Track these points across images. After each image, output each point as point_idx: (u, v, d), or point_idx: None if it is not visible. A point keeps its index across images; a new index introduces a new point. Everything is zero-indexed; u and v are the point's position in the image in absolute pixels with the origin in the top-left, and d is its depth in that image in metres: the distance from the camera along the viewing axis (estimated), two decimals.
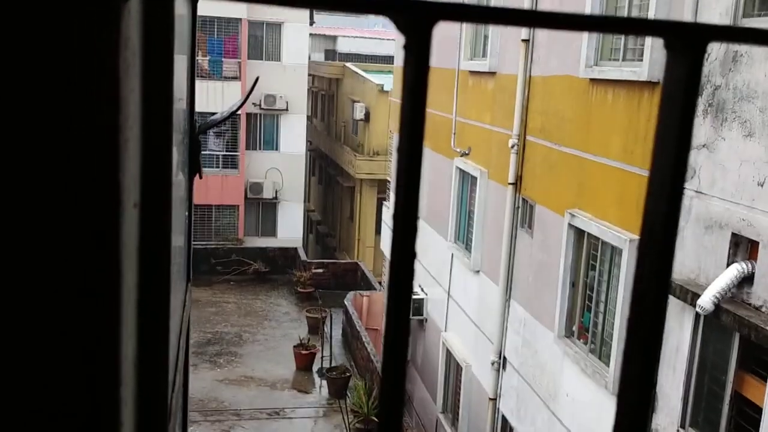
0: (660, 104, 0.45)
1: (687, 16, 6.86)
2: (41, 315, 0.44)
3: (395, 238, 0.41)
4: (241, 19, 25.44)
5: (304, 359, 17.92)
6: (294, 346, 18.10)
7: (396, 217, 0.41)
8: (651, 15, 7.41)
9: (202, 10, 25.16)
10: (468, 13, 0.39)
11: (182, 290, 1.52)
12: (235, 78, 25.71)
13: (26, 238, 0.43)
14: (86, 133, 0.41)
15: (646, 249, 0.45)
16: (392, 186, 16.61)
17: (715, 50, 6.53)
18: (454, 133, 12.96)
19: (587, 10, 8.66)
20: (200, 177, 1.84)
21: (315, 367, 17.91)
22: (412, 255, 0.40)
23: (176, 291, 1.27)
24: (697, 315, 6.48)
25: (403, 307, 0.45)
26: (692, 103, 0.43)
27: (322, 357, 17.73)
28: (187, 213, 1.81)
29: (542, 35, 10.05)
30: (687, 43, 0.42)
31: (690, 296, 6.44)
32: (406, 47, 0.41)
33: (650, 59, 7.42)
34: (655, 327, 0.49)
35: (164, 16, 0.58)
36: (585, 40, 8.66)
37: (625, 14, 8.17)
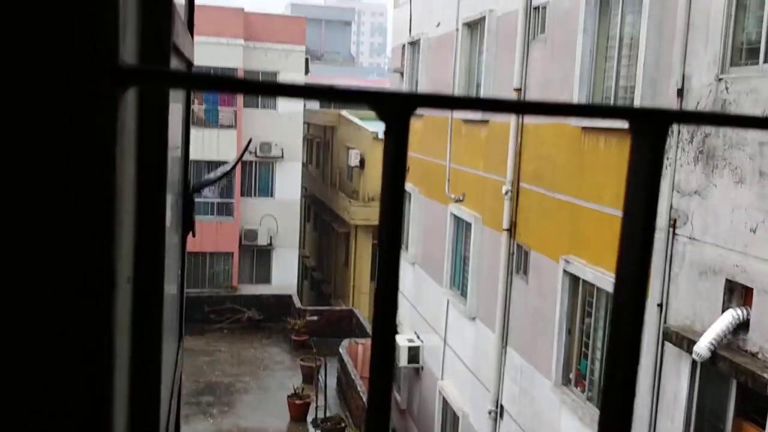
0: (626, 183, 0.47)
1: (676, 66, 7.00)
2: (24, 397, 0.45)
3: (375, 335, 0.42)
4: (237, 68, 25.80)
5: (299, 409, 17.66)
6: (288, 396, 17.85)
7: (377, 299, 0.42)
8: (640, 65, 7.56)
9: (199, 60, 25.57)
10: (441, 101, 0.42)
11: (174, 349, 1.52)
12: (230, 126, 25.95)
13: (15, 315, 0.45)
14: (82, 217, 0.43)
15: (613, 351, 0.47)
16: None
17: (704, 98, 6.65)
18: (448, 180, 13.06)
19: (576, 69, 8.82)
20: (193, 235, 1.86)
21: (309, 418, 17.63)
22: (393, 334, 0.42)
23: (167, 352, 1.28)
24: (694, 362, 6.45)
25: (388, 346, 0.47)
26: (656, 181, 0.46)
27: (316, 407, 17.48)
28: (179, 272, 1.82)
29: (534, 84, 10.22)
30: (650, 126, 0.45)
31: (686, 343, 6.42)
32: (386, 133, 0.43)
33: (641, 107, 7.54)
34: (631, 365, 0.50)
35: (159, 104, 0.61)
36: (576, 89, 8.81)
37: (615, 65, 8.33)
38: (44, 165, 0.43)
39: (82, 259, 0.44)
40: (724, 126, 0.48)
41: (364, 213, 25.66)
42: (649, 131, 0.45)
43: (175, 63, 1.02)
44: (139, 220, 0.58)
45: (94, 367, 0.45)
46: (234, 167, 3.11)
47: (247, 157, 26.26)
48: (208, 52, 24.60)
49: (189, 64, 1.49)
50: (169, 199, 1.26)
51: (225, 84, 0.38)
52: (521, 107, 0.43)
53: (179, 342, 1.75)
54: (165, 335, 1.02)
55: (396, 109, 0.41)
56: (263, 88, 0.39)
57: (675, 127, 6.87)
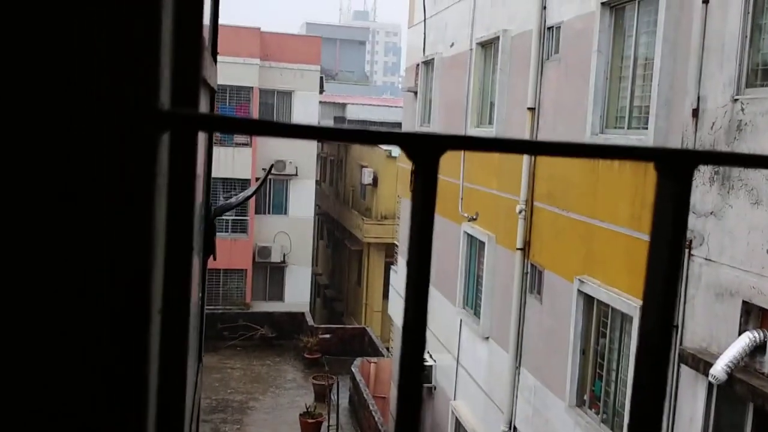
0: (652, 224, 0.48)
1: (691, 87, 6.98)
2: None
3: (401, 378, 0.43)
4: (252, 87, 26.02)
5: (311, 428, 17.57)
6: (300, 415, 17.78)
7: (404, 350, 0.43)
8: (655, 85, 7.55)
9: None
10: (469, 143, 0.43)
11: (194, 372, 1.53)
12: (246, 144, 26.11)
13: (60, 348, 0.46)
14: (124, 256, 0.45)
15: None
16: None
17: (719, 119, 6.63)
18: (462, 198, 13.06)
19: (591, 89, 8.82)
20: (214, 259, 1.87)
21: None
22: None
23: (189, 375, 1.29)
24: (710, 385, 6.37)
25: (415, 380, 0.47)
26: (683, 220, 0.46)
27: (328, 426, 17.39)
28: (200, 294, 1.84)
29: (548, 104, 10.23)
30: (676, 167, 0.46)
31: (702, 365, 6.35)
32: (414, 173, 0.44)
33: (655, 127, 7.53)
34: (659, 388, 0.50)
35: (190, 142, 0.62)
36: (590, 108, 8.81)
37: (629, 85, 8.33)
38: (91, 207, 0.45)
39: (123, 296, 0.45)
40: (751, 167, 0.49)
41: (377, 231, 25.68)
42: (674, 173, 0.46)
43: (203, 95, 1.04)
44: (169, 254, 0.59)
45: (130, 401, 0.46)
46: (255, 192, 3.15)
47: (261, 174, 26.40)
48: (225, 71, 24.79)
49: (213, 91, 1.52)
50: (194, 225, 1.27)
51: (256, 127, 0.39)
52: (545, 148, 0.44)
53: (199, 364, 1.76)
54: (188, 360, 1.03)
55: (426, 151, 0.42)
56: (292, 131, 0.40)
57: (692, 147, 6.85)
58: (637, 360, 0.51)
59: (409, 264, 0.46)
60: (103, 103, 0.43)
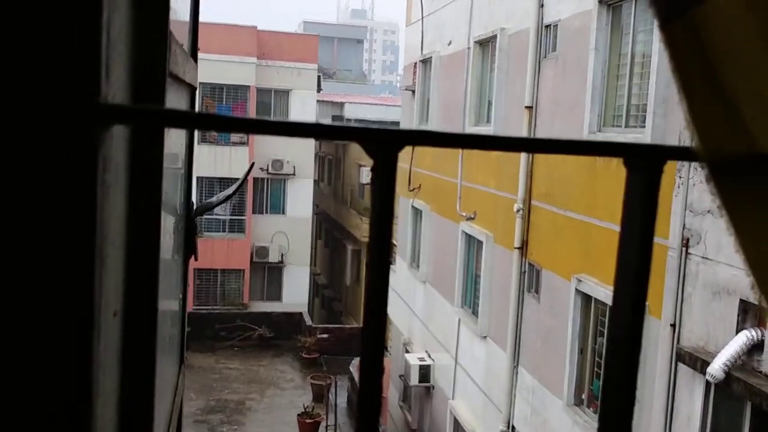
0: (622, 217, 0.46)
1: None
2: None
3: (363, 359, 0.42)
4: (249, 86, 25.99)
5: (309, 428, 17.57)
6: (298, 415, 17.77)
7: (364, 341, 0.42)
8: (652, 83, 7.54)
9: (212, 77, 25.57)
10: (429, 138, 0.41)
11: (174, 374, 1.51)
12: (242, 143, 26.08)
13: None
14: (61, 253, 0.43)
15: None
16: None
17: None
18: (460, 198, 13.04)
19: (588, 86, 8.81)
20: (195, 259, 1.86)
21: None
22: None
23: (167, 375, 1.27)
24: (708, 383, 6.36)
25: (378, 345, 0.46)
26: (650, 217, 0.45)
27: (326, 426, 17.38)
28: (181, 295, 1.82)
29: (546, 102, 10.22)
30: (645, 163, 0.44)
31: (700, 364, 6.34)
32: (373, 169, 0.42)
33: (653, 125, 7.51)
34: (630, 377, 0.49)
35: (153, 137, 0.61)
36: (588, 106, 8.80)
37: (626, 83, 8.32)
38: (23, 201, 0.43)
39: (61, 295, 0.43)
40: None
41: None
42: (643, 168, 0.45)
43: (174, 91, 1.02)
44: (130, 256, 0.57)
45: (74, 399, 0.45)
46: (236, 191, 3.12)
47: (259, 173, 26.39)
48: (222, 70, 24.80)
49: (192, 89, 1.50)
50: (170, 223, 1.25)
51: (205, 121, 0.38)
52: (509, 144, 0.42)
53: (180, 366, 1.74)
54: (163, 361, 1.01)
55: (384, 146, 0.41)
56: (246, 125, 0.38)
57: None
58: (608, 350, 0.50)
59: (369, 261, 0.44)
60: (37, 97, 0.41)
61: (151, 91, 0.64)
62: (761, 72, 0.37)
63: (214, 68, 24.20)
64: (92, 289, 0.43)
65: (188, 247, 1.70)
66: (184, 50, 1.22)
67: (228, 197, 3.10)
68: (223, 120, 0.39)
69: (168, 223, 1.13)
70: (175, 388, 1.51)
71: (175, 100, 1.04)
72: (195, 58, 1.73)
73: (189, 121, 0.39)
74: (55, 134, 0.41)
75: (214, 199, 2.99)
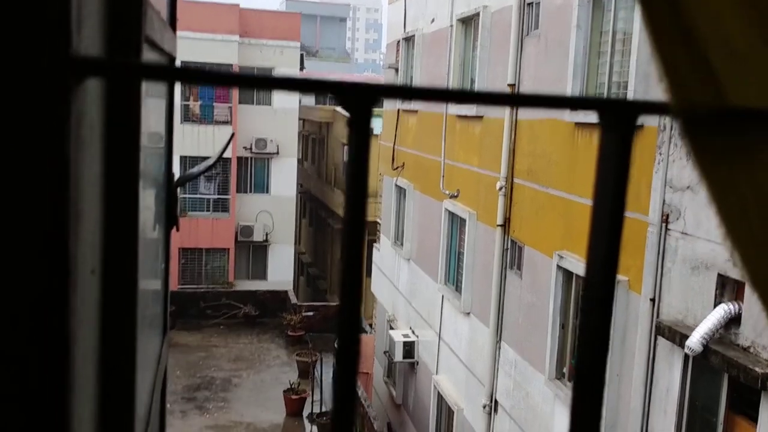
0: (595, 176, 0.47)
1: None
2: None
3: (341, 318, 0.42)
4: (232, 65, 25.74)
5: (295, 404, 17.69)
6: (284, 391, 17.88)
7: (342, 289, 0.42)
8: (633, 60, 7.56)
9: (193, 56, 25.27)
10: (402, 92, 0.42)
11: (157, 344, 1.51)
12: (226, 122, 25.90)
13: None
14: (34, 207, 0.43)
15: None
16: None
17: None
18: (443, 176, 13.06)
19: (570, 64, 8.82)
20: (177, 230, 1.85)
21: (305, 412, 17.66)
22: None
23: (150, 345, 1.27)
24: (686, 356, 6.47)
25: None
26: (624, 174, 0.45)
27: (312, 402, 17.50)
28: (163, 265, 1.81)
29: (528, 79, 10.22)
30: (619, 118, 0.45)
31: (678, 337, 6.44)
32: (349, 123, 0.43)
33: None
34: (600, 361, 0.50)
35: (129, 96, 0.60)
36: (570, 83, 8.81)
37: (608, 60, 8.33)
38: None
39: (35, 248, 0.43)
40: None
41: None
42: (617, 123, 0.45)
43: (151, 57, 1.01)
44: (107, 213, 0.57)
45: (50, 358, 0.45)
46: (217, 161, 3.11)
47: (242, 152, 26.25)
48: (203, 48, 24.54)
49: (171, 59, 1.48)
50: (150, 193, 1.25)
51: (180, 74, 0.38)
52: (485, 98, 0.43)
53: (163, 337, 1.74)
54: (145, 330, 1.01)
55: (359, 99, 0.41)
56: (222, 79, 0.38)
57: (669, 122, 6.89)
58: (582, 312, 0.51)
59: (344, 221, 0.44)
60: (5, 47, 0.41)
61: (125, 52, 0.64)
62: (729, 18, 0.37)
63: (195, 46, 23.94)
64: (67, 242, 0.43)
65: (170, 217, 1.69)
66: (161, 18, 1.21)
67: (209, 167, 3.09)
68: (199, 74, 0.39)
69: (147, 188, 1.12)
70: (158, 358, 1.52)
71: (154, 56, 1.04)
72: (173, 28, 1.71)
73: (164, 73, 0.39)
74: (26, 86, 0.41)
75: (195, 169, 2.98)
